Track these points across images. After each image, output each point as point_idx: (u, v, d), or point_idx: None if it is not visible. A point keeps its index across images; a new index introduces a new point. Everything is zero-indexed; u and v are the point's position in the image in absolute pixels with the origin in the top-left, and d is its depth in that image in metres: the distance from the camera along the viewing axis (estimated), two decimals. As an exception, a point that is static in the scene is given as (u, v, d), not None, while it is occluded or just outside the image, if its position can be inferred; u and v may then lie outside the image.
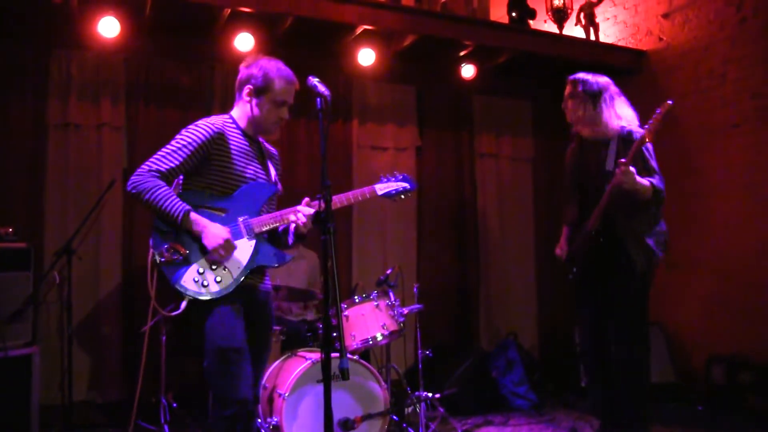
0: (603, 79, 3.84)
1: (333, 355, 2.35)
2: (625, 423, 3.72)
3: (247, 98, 2.95)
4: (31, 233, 4.71)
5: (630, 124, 3.80)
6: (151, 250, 2.74)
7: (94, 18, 4.84)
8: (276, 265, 2.95)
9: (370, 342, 4.19)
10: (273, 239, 3.01)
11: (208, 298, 2.71)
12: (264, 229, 2.88)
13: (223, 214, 2.83)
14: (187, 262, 2.73)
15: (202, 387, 4.50)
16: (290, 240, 2.98)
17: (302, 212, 2.87)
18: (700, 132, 5.73)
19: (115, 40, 4.98)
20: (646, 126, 3.53)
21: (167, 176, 2.76)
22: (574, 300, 4.06)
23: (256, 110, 2.93)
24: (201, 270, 2.73)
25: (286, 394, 3.77)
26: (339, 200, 3.01)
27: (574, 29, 6.56)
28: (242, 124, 2.99)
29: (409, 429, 4.44)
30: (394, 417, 4.40)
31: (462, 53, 6.04)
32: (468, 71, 6.16)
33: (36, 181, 4.94)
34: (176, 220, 2.68)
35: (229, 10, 4.90)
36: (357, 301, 4.31)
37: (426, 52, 6.00)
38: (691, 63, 5.86)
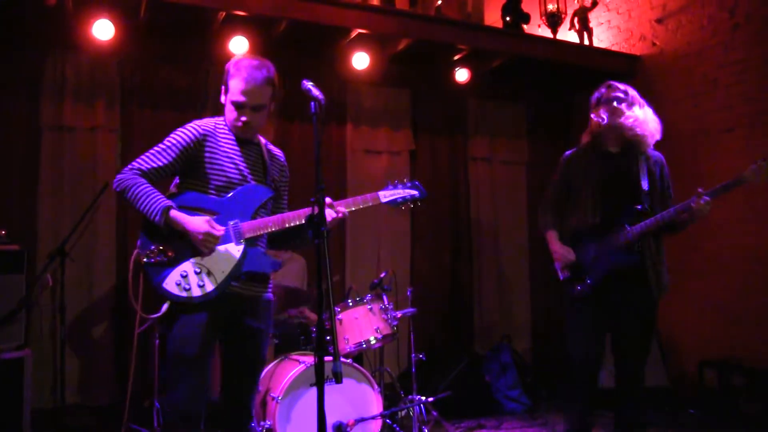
0: None
1: (326, 358, 2.34)
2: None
3: (222, 98, 2.91)
4: (25, 236, 4.69)
5: (655, 134, 3.70)
6: (137, 251, 2.73)
7: (89, 20, 4.83)
8: (268, 272, 2.89)
9: (364, 345, 4.19)
10: (287, 237, 2.98)
11: (186, 301, 2.68)
12: (256, 234, 2.82)
13: (212, 217, 2.77)
14: (171, 265, 2.70)
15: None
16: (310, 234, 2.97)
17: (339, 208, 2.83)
18: (693, 137, 5.75)
19: (110, 43, 4.97)
20: (753, 166, 3.51)
21: (149, 175, 2.74)
22: (568, 309, 3.86)
23: (224, 109, 2.90)
24: (185, 273, 2.70)
25: (280, 398, 3.77)
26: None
27: (568, 34, 6.59)
28: (230, 124, 2.93)
29: (403, 432, 4.44)
30: (388, 420, 4.40)
31: (456, 57, 6.06)
32: (462, 75, 6.18)
33: (29, 184, 4.92)
34: (155, 217, 2.65)
35: (224, 13, 4.91)
36: (350, 304, 4.31)
37: (420, 56, 6.02)
38: (684, 68, 5.89)
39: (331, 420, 3.86)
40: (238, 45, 5.15)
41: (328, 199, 2.80)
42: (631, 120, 3.61)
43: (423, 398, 4.56)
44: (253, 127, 2.87)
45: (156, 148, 2.80)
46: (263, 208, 2.92)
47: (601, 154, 3.74)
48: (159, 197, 2.68)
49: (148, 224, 2.72)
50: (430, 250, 6.39)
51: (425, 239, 6.37)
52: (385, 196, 3.00)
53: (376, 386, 4.11)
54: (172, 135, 2.82)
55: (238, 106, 2.84)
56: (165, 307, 2.72)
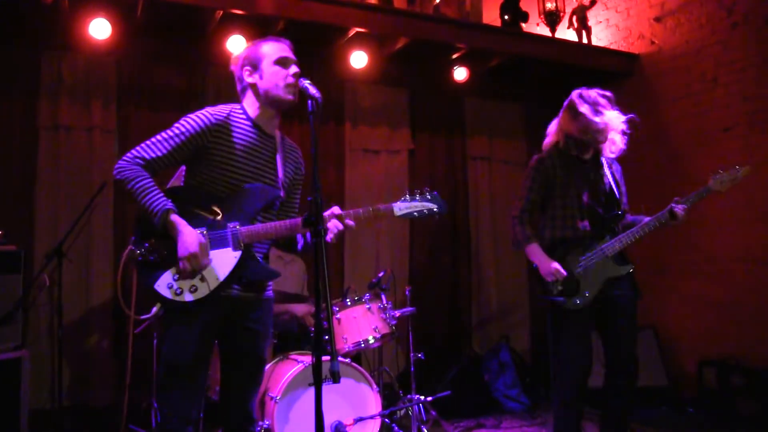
0: None
1: (324, 358, 2.31)
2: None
3: (250, 79, 2.77)
4: (22, 236, 4.68)
5: (618, 144, 3.70)
6: (130, 246, 2.62)
7: (85, 19, 4.82)
8: (263, 281, 2.79)
9: (362, 345, 4.18)
10: (292, 242, 2.89)
11: (178, 305, 2.56)
12: (253, 241, 2.69)
13: (212, 218, 2.66)
14: (164, 265, 2.58)
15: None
16: (299, 244, 2.90)
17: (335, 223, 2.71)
18: (691, 135, 5.75)
19: (107, 42, 4.96)
20: (716, 176, 3.59)
21: (151, 165, 2.61)
22: (561, 321, 3.78)
23: (261, 83, 2.74)
24: (177, 276, 2.57)
25: (278, 398, 3.76)
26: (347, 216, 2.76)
27: (566, 32, 6.58)
28: (253, 113, 2.79)
29: (401, 432, 4.43)
30: (386, 420, 4.39)
31: (454, 56, 6.05)
32: (460, 74, 6.17)
33: (26, 184, 4.90)
34: (154, 218, 2.53)
35: (221, 12, 4.89)
36: (349, 304, 4.30)
37: (418, 55, 6.01)
38: (682, 66, 5.88)
39: (329, 420, 3.86)
40: (236, 44, 5.13)
41: (337, 210, 2.73)
42: (603, 131, 3.61)
43: (422, 398, 4.56)
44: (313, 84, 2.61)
45: (161, 135, 2.66)
46: (269, 210, 2.80)
47: (575, 161, 3.69)
48: (159, 197, 2.56)
49: (143, 219, 2.61)
50: (429, 250, 6.38)
51: (424, 238, 6.36)
52: (400, 208, 2.82)
53: (374, 386, 4.10)
54: (181, 121, 2.68)
55: (284, 61, 2.74)
56: (155, 309, 2.64)
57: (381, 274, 4.61)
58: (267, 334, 2.87)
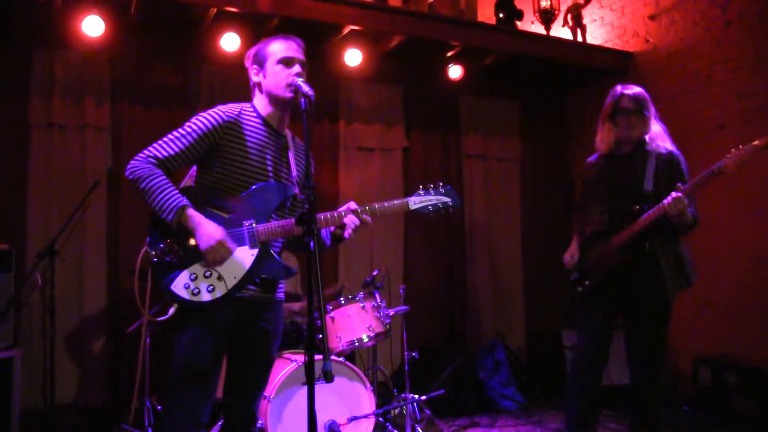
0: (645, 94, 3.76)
1: (317, 357, 2.29)
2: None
3: (256, 78, 2.78)
4: (14, 235, 4.65)
5: (663, 141, 3.72)
6: (145, 248, 2.57)
7: (78, 16, 4.80)
8: (281, 278, 2.75)
9: (356, 344, 4.18)
10: (299, 243, 2.83)
11: (196, 306, 2.53)
12: (270, 239, 2.65)
13: (228, 216, 2.62)
14: (181, 266, 2.55)
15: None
16: (328, 242, 2.86)
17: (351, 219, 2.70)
18: (687, 133, 5.72)
19: (100, 39, 4.94)
20: (729, 156, 3.41)
21: (165, 164, 2.57)
22: (564, 304, 3.96)
23: (265, 82, 2.75)
24: (194, 276, 2.54)
25: (271, 397, 3.75)
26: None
27: (561, 30, 6.57)
28: (263, 111, 2.78)
29: (395, 431, 4.41)
30: (380, 419, 4.38)
31: (449, 54, 6.04)
32: (455, 72, 6.16)
33: (18, 182, 4.87)
34: (170, 214, 2.49)
35: (215, 10, 4.86)
36: (343, 302, 4.30)
37: (413, 53, 5.99)
38: (677, 64, 5.88)
39: (323, 419, 3.85)
40: (230, 42, 5.12)
41: (353, 205, 2.73)
42: (631, 135, 3.68)
43: (416, 396, 4.54)
44: (306, 82, 2.62)
45: (174, 134, 2.63)
46: (283, 208, 2.77)
47: (611, 157, 3.78)
48: (175, 193, 2.53)
49: (157, 220, 2.56)
50: (424, 248, 6.36)
51: (418, 236, 6.34)
52: (415, 203, 2.83)
53: (368, 385, 4.09)
54: (193, 119, 2.65)
55: (288, 61, 2.72)
56: (172, 310, 2.60)
57: (375, 273, 4.60)
58: (278, 335, 2.85)
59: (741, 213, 5.29)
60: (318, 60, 5.79)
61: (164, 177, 2.56)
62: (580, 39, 6.49)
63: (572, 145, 7.05)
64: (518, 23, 6.24)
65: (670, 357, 5.75)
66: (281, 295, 2.86)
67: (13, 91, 4.91)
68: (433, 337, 6.22)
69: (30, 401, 4.59)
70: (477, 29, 5.97)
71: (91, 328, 4.97)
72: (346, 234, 2.73)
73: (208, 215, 2.59)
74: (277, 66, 2.73)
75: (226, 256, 2.56)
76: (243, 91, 2.89)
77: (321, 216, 2.70)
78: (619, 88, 3.76)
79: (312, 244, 2.26)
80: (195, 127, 2.63)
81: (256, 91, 2.83)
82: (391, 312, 4.43)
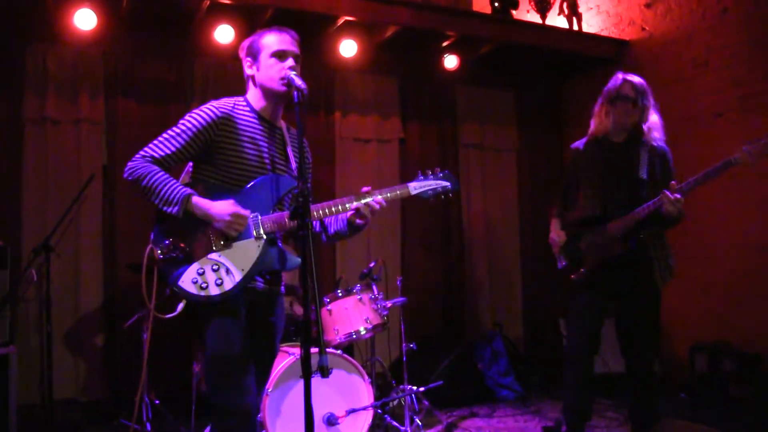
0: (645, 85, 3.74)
1: (314, 350, 2.28)
2: (653, 423, 3.72)
3: (250, 71, 2.77)
4: (8, 231, 4.66)
5: (659, 133, 3.72)
6: (150, 246, 2.56)
7: (70, 10, 4.78)
8: (288, 269, 2.73)
9: (354, 336, 4.18)
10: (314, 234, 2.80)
11: (205, 300, 2.52)
12: (274, 230, 2.65)
13: None
14: (187, 261, 2.54)
15: (185, 385, 4.46)
16: (346, 232, 2.86)
17: (374, 200, 2.76)
18: (683, 121, 5.72)
19: (93, 33, 4.91)
20: (746, 148, 3.37)
21: (161, 163, 2.57)
22: (562, 294, 3.96)
23: (258, 75, 2.73)
24: (201, 270, 2.54)
25: (269, 390, 3.74)
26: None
27: (557, 19, 6.54)
28: (256, 104, 2.77)
29: (394, 422, 4.42)
30: (379, 411, 4.38)
31: (445, 44, 6.02)
32: (451, 62, 6.13)
33: (12, 178, 4.86)
34: (176, 206, 2.49)
35: (209, 2, 4.85)
36: (340, 295, 4.29)
37: (408, 43, 5.97)
38: (673, 52, 5.85)
39: (321, 412, 3.85)
40: (224, 34, 5.10)
41: (365, 188, 2.79)
42: (625, 124, 3.67)
43: (414, 388, 4.54)
44: (299, 75, 2.61)
45: (169, 132, 2.62)
46: (283, 201, 2.75)
47: (605, 144, 3.75)
48: (177, 185, 2.53)
49: (161, 216, 2.58)
50: (421, 238, 6.35)
51: (415, 227, 6.33)
52: (415, 188, 2.87)
53: (366, 377, 4.08)
54: (187, 117, 2.64)
55: (282, 54, 2.70)
56: (180, 306, 2.58)
57: (372, 264, 4.59)
58: (281, 328, 2.89)
59: (738, 200, 5.28)
60: (313, 51, 5.76)
61: (164, 173, 2.56)
62: (575, 27, 6.45)
63: (569, 134, 7.00)
64: (513, 12, 6.20)
65: (667, 344, 5.76)
66: (283, 289, 2.89)
67: (6, 87, 4.89)
68: (432, 328, 6.23)
69: (28, 397, 4.61)
70: (472, 19, 5.96)
71: (88, 323, 4.97)
72: (360, 222, 2.78)
73: None
74: (271, 59, 2.71)
75: (244, 224, 2.57)
76: (238, 84, 2.87)
77: (333, 203, 2.73)
78: (620, 75, 3.76)
79: (306, 236, 2.28)
80: (189, 125, 2.62)
81: (250, 84, 2.81)
82: (389, 304, 4.42)
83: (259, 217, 2.64)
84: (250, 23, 5.16)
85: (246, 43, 2.82)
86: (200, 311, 2.60)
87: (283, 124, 2.87)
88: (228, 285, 2.55)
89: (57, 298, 4.53)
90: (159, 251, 2.54)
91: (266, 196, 2.67)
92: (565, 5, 6.50)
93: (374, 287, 4.42)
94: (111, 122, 5.17)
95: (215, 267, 2.55)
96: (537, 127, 6.96)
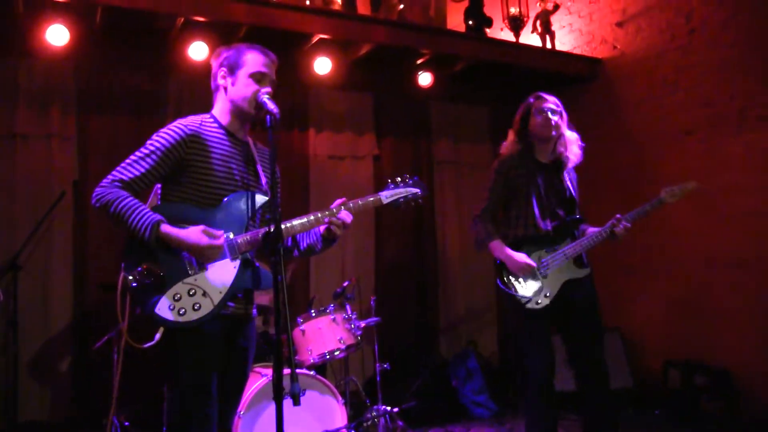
0: None
1: (286, 371, 2.26)
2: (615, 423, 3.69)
3: (222, 81, 2.72)
4: (-24, 249, 4.57)
5: (577, 150, 3.78)
6: (122, 273, 2.47)
7: (42, 25, 4.70)
8: (260, 289, 2.68)
9: (327, 357, 4.16)
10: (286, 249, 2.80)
11: (183, 326, 2.45)
12: (249, 250, 2.61)
13: None
14: (162, 287, 2.47)
15: (156, 406, 4.40)
16: (319, 245, 2.83)
17: (344, 216, 2.73)
18: (655, 139, 5.81)
19: (65, 48, 4.84)
20: (667, 190, 3.67)
21: (131, 186, 2.51)
22: (524, 321, 3.79)
23: (231, 90, 2.69)
24: (177, 296, 2.47)
25: (242, 412, 3.71)
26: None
27: (530, 37, 6.60)
28: (224, 119, 2.73)
29: (368, 443, 4.40)
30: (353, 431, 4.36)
31: (419, 61, 6.04)
32: (425, 79, 6.15)
33: (-19, 194, 4.77)
34: (144, 234, 2.42)
35: (183, 19, 4.80)
36: (313, 315, 4.27)
37: (383, 61, 5.98)
38: (644, 71, 5.93)
39: (294, 434, 3.82)
40: (198, 50, 5.06)
41: (339, 200, 2.78)
42: (554, 135, 3.71)
43: (388, 408, 4.53)
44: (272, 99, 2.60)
45: (137, 154, 2.55)
46: (254, 217, 2.71)
47: (537, 163, 3.76)
48: (146, 211, 2.46)
49: (131, 242, 2.49)
50: (395, 256, 6.35)
51: (390, 244, 6.32)
52: (387, 196, 2.91)
53: (340, 398, 4.07)
54: (154, 137, 2.58)
55: (261, 77, 2.68)
56: (158, 335, 2.51)
57: (346, 284, 4.58)
58: (253, 353, 2.85)
59: (708, 217, 5.34)
60: (288, 68, 5.67)
61: (132, 198, 2.50)
62: (549, 45, 6.51)
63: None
64: (488, 30, 6.25)
65: (640, 359, 5.81)
66: (255, 312, 2.85)
67: (-25, 102, 4.80)
68: (406, 344, 6.20)
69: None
70: (446, 36, 5.97)
71: (57, 343, 4.87)
72: (335, 233, 2.76)
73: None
74: (248, 79, 2.69)
75: (218, 254, 2.54)
76: (212, 100, 2.84)
77: (306, 217, 2.71)
78: (532, 97, 3.87)
79: (278, 262, 2.29)
80: (159, 144, 2.57)
81: (219, 95, 2.77)
82: (362, 324, 4.41)
83: (235, 238, 2.60)
84: (224, 40, 5.09)
85: (224, 52, 2.77)
86: (175, 337, 2.52)
87: (249, 139, 2.84)
88: (206, 309, 2.50)
89: (24, 317, 4.45)
90: (132, 278, 2.47)
91: (239, 214, 2.64)
92: (538, 23, 6.56)
93: (348, 307, 4.41)
94: (83, 137, 5.09)
95: (192, 291, 2.50)
96: (511, 143, 6.99)
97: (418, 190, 2.96)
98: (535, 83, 6.72)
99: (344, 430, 4.00)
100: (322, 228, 2.78)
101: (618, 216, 3.56)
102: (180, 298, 2.48)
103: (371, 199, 2.88)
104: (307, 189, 5.93)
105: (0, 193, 4.80)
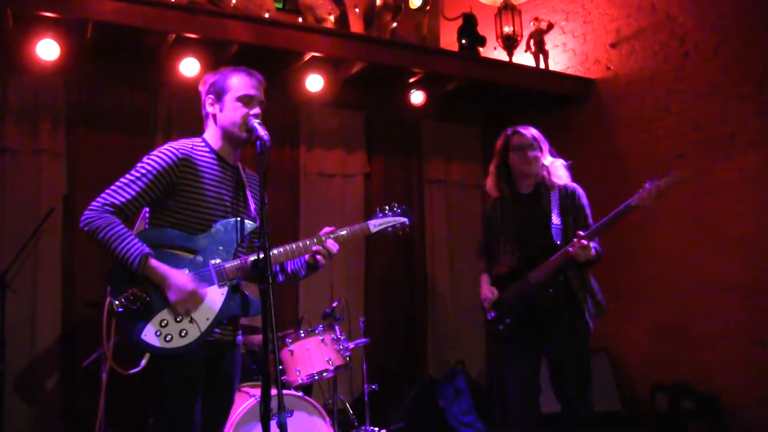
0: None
1: (274, 391, 2.25)
2: None
3: (211, 109, 2.72)
4: (-38, 265, 4.52)
5: (563, 175, 3.78)
6: (108, 298, 2.45)
7: (32, 41, 4.67)
8: (248, 316, 2.67)
9: (316, 377, 4.15)
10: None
11: (170, 353, 2.44)
12: (237, 276, 2.61)
13: (192, 257, 2.56)
14: (149, 313, 2.44)
15: (143, 424, 4.35)
16: (303, 272, 2.83)
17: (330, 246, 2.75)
18: (646, 161, 5.81)
19: (55, 63, 4.80)
20: (642, 191, 3.54)
21: (122, 210, 2.48)
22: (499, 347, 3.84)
23: (220, 116, 2.68)
24: (164, 322, 2.45)
25: (228, 434, 3.67)
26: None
27: (524, 56, 6.61)
28: (215, 144, 2.72)
29: (356, 465, 4.37)
30: (341, 453, 4.34)
31: (411, 80, 6.03)
32: (417, 98, 6.15)
33: (-32, 210, 4.73)
34: (131, 266, 2.40)
35: (174, 35, 4.78)
36: (302, 335, 4.25)
37: (375, 79, 5.97)
38: (637, 93, 5.95)
39: (281, 456, 3.78)
40: (189, 67, 5.05)
41: (328, 228, 2.80)
42: (532, 169, 3.73)
43: (376, 429, 4.51)
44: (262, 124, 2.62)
45: (128, 177, 2.53)
46: (243, 244, 2.71)
47: (515, 197, 3.81)
48: (135, 242, 2.43)
49: (118, 269, 2.46)
50: (385, 275, 6.31)
51: (379, 264, 6.29)
52: (375, 225, 2.93)
53: (327, 418, 4.05)
54: (145, 160, 2.56)
55: (249, 100, 2.67)
56: (144, 362, 2.48)
57: (335, 304, 4.57)
58: (238, 378, 2.84)
59: (697, 241, 5.35)
60: (279, 85, 5.73)
61: (122, 226, 2.47)
62: (542, 65, 6.53)
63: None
64: (481, 49, 6.26)
65: (628, 383, 5.80)
66: (240, 338, 2.83)
67: (-37, 117, 4.77)
68: (394, 365, 6.17)
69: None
70: (439, 56, 5.98)
71: (44, 360, 4.82)
72: (321, 261, 2.76)
73: (173, 257, 2.53)
74: (236, 103, 2.68)
75: (198, 307, 2.52)
76: (202, 117, 2.83)
77: (294, 245, 2.71)
78: (509, 130, 3.86)
79: (267, 290, 2.29)
80: (150, 167, 2.55)
81: (210, 122, 2.77)
82: (351, 345, 4.40)
83: (222, 264, 2.59)
84: (216, 57, 5.11)
85: (210, 79, 2.76)
86: (160, 363, 2.49)
87: (239, 164, 2.83)
88: (193, 335, 2.49)
89: (11, 335, 4.40)
90: (118, 303, 2.43)
91: (228, 241, 2.63)
92: (532, 42, 6.57)
93: (337, 328, 4.39)
94: (72, 153, 5.06)
95: (179, 318, 2.49)
96: (503, 162, 7.00)
97: (405, 220, 2.98)
98: (528, 103, 6.78)
99: (331, 452, 3.98)
100: (307, 255, 2.77)
101: (580, 232, 3.45)
102: (166, 324, 2.47)
103: (359, 228, 2.90)
104: (297, 206, 5.91)
105: (-12, 208, 4.76)
